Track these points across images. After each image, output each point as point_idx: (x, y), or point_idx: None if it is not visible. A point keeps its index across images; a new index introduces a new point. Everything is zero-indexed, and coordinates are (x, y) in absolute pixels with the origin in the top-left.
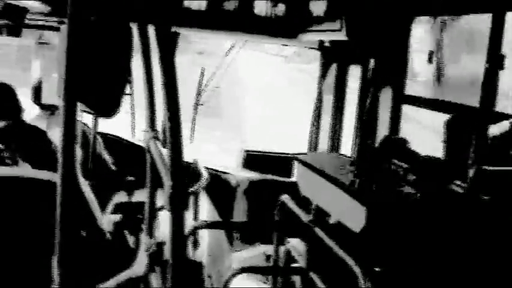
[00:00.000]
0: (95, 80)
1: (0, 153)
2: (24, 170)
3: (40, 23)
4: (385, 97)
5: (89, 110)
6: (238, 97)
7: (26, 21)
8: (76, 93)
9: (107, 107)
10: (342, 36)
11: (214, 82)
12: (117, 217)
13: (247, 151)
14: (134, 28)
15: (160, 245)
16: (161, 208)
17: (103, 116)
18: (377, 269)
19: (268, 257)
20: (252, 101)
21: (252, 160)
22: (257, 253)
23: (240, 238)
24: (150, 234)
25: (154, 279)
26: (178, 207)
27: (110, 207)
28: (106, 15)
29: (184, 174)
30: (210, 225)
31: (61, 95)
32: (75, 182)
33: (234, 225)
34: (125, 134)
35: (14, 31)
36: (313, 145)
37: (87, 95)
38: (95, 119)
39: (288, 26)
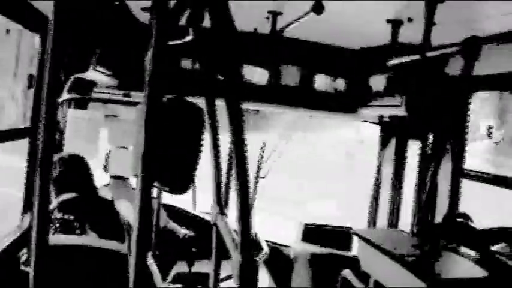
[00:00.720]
0: (170, 158)
1: (69, 224)
2: (91, 239)
3: (106, 96)
4: (445, 172)
5: (162, 187)
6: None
7: (93, 95)
8: (152, 169)
9: (181, 184)
10: (401, 111)
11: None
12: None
13: (306, 224)
14: (203, 105)
15: None
16: (226, 278)
17: (177, 193)
18: None
19: None
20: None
21: (311, 233)
22: None
23: None
24: None
25: None
26: (247, 280)
27: (171, 277)
28: (180, 94)
29: (253, 248)
30: None
31: (138, 172)
32: (146, 256)
33: None
34: (186, 206)
35: (82, 104)
36: (372, 220)
37: (161, 172)
38: (160, 192)
39: (347, 101)
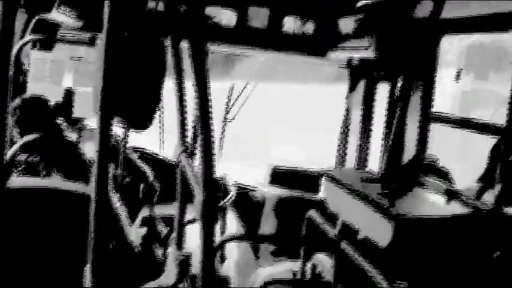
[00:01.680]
0: (130, 94)
1: (34, 166)
2: (56, 181)
3: (72, 37)
4: (413, 115)
5: (123, 123)
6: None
7: (58, 36)
8: (112, 107)
9: (142, 120)
10: (370, 54)
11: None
12: (144, 230)
13: (274, 167)
14: (167, 43)
15: (188, 257)
16: (190, 222)
17: (137, 128)
18: (403, 284)
19: (294, 274)
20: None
21: (279, 176)
22: (283, 269)
23: (266, 253)
24: (179, 246)
25: None
26: (209, 220)
27: (138, 220)
28: (140, 31)
29: (216, 188)
30: (237, 238)
31: (97, 109)
32: (107, 195)
33: (261, 238)
34: (154, 148)
35: (47, 46)
36: (341, 161)
37: (122, 108)
38: (125, 132)
39: (316, 43)
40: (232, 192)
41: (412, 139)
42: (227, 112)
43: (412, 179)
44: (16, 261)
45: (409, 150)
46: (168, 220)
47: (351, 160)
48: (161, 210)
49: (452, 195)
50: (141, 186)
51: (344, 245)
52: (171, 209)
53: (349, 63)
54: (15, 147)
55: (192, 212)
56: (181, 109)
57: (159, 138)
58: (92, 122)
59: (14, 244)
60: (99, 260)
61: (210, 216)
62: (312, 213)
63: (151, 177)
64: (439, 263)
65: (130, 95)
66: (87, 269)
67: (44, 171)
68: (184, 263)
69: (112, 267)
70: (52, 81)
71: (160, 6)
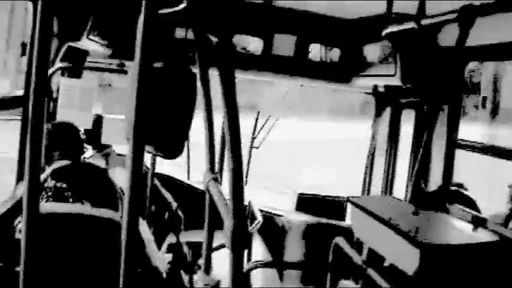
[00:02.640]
0: (161, 122)
1: (63, 192)
2: (84, 207)
3: (101, 65)
4: (439, 142)
5: (154, 152)
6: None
7: (87, 64)
8: (144, 135)
9: (172, 149)
10: (396, 81)
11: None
12: (170, 256)
13: (300, 194)
14: (197, 72)
15: (217, 283)
16: (217, 248)
17: (167, 157)
18: None
19: None
20: None
21: (305, 203)
22: None
23: (292, 280)
24: (207, 272)
25: None
26: (239, 246)
27: (164, 247)
28: (171, 59)
29: (245, 214)
30: (265, 265)
31: (130, 137)
32: (138, 222)
33: (289, 265)
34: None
35: (75, 73)
36: (367, 188)
37: (152, 136)
38: (153, 160)
39: (342, 70)
40: (259, 219)
41: (438, 167)
42: (253, 139)
43: (438, 206)
44: (46, 286)
45: (435, 177)
46: (194, 247)
47: (377, 186)
48: (187, 237)
49: (478, 222)
50: (166, 214)
51: (370, 272)
52: (197, 236)
53: (375, 90)
54: (46, 173)
55: (219, 238)
56: (210, 137)
57: (187, 166)
58: (120, 148)
59: (43, 269)
60: (129, 284)
61: (240, 242)
62: (339, 239)
63: (174, 205)
64: None
65: (161, 123)
66: None
67: (72, 197)
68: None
69: None
70: (81, 108)
71: (190, 35)
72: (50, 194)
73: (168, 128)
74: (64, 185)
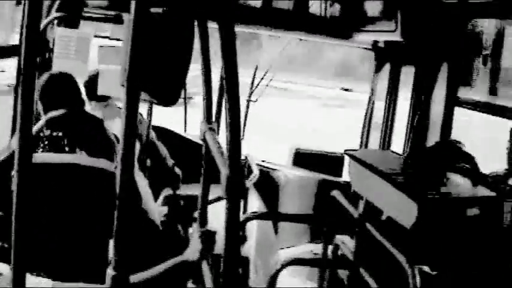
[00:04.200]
0: (157, 70)
1: (59, 141)
2: (81, 157)
3: (97, 15)
4: (438, 99)
5: (150, 99)
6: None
7: (84, 14)
8: (139, 83)
9: (168, 95)
10: (396, 37)
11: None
12: (166, 209)
13: (297, 149)
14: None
15: (213, 233)
16: (214, 200)
17: (164, 104)
18: (426, 266)
19: (316, 255)
20: None
21: (302, 158)
22: (305, 250)
23: (287, 235)
24: (203, 223)
25: (206, 267)
26: (235, 197)
27: (160, 199)
28: (171, 11)
29: (242, 165)
30: (259, 216)
31: (124, 85)
32: (132, 172)
33: (284, 217)
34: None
35: (72, 23)
36: (365, 141)
37: (149, 84)
38: (150, 110)
39: (342, 25)
40: (256, 172)
41: (437, 123)
42: (251, 93)
43: (437, 161)
44: (39, 236)
45: (434, 133)
46: (191, 200)
47: (375, 142)
48: (183, 190)
49: (477, 178)
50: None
51: (367, 225)
52: (193, 190)
53: (375, 45)
54: (41, 122)
55: (216, 192)
56: (207, 86)
57: (183, 118)
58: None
59: (37, 219)
60: (123, 235)
61: (236, 193)
62: (335, 193)
63: (171, 162)
64: (463, 245)
65: (157, 71)
66: (111, 244)
67: (68, 147)
68: (209, 238)
69: (135, 243)
70: (78, 59)
71: None
72: (46, 143)
73: (163, 74)
74: (60, 134)
